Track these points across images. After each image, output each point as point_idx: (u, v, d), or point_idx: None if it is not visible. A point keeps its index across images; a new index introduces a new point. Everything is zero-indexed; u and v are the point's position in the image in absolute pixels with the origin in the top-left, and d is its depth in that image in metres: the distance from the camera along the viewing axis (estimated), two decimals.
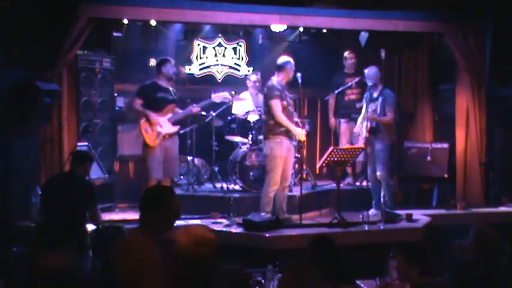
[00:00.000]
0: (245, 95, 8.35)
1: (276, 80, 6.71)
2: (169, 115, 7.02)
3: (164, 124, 6.97)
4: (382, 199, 7.37)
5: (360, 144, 7.38)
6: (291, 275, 3.04)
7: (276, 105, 6.57)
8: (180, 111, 7.21)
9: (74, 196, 5.19)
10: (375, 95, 7.40)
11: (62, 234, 4.98)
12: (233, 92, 8.14)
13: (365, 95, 7.59)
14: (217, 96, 7.41)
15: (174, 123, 7.08)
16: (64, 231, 5.03)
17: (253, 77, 8.43)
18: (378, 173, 7.28)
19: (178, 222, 6.75)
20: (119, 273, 3.42)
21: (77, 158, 5.62)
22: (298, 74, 6.77)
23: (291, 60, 6.81)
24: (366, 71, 7.50)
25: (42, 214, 5.76)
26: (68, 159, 6.53)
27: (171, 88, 7.19)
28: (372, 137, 7.31)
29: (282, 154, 6.61)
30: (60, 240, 4.91)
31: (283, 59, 6.82)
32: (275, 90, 6.60)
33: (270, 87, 6.67)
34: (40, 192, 6.07)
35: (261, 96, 8.42)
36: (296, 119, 6.82)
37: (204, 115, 7.98)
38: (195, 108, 7.24)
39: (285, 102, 6.63)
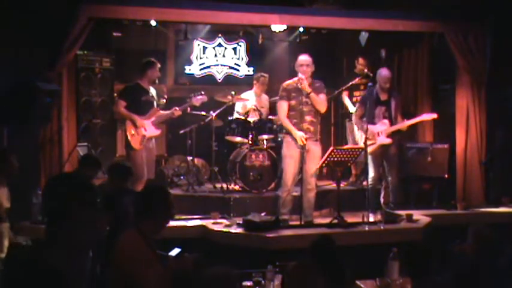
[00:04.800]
0: (247, 94, 8.35)
1: (292, 80, 6.72)
2: (153, 118, 6.87)
3: (148, 127, 6.81)
4: (382, 200, 7.39)
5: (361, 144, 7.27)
6: (294, 275, 3.04)
7: (280, 107, 6.69)
8: (163, 112, 7.06)
9: None
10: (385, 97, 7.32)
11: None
12: (233, 93, 8.14)
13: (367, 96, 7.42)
14: (196, 100, 7.22)
15: (158, 126, 6.96)
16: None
17: (261, 78, 8.42)
18: (394, 175, 7.32)
19: (178, 223, 6.78)
20: (112, 274, 3.43)
21: (89, 162, 5.59)
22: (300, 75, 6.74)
23: (300, 57, 6.72)
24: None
25: (44, 215, 5.74)
26: (68, 159, 6.55)
27: (152, 90, 7.00)
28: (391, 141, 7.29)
29: (290, 153, 6.64)
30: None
31: None
32: (281, 91, 6.72)
33: (280, 89, 6.77)
34: (40, 192, 6.07)
35: (264, 97, 8.46)
36: (311, 119, 6.66)
37: (204, 115, 7.98)
38: (177, 112, 7.04)
39: (293, 102, 6.64)
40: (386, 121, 7.30)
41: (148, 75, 6.85)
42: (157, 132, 6.96)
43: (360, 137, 7.42)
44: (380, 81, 7.32)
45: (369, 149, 7.08)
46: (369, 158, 7.20)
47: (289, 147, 6.66)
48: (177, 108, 7.08)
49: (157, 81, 7.12)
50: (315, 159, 6.64)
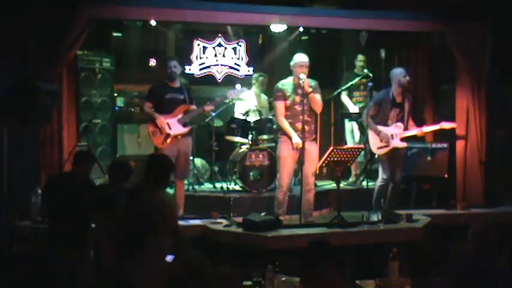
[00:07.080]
0: (246, 95, 8.34)
1: (287, 79, 6.69)
2: (180, 116, 6.76)
3: (174, 125, 6.71)
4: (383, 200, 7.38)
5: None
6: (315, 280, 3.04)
7: (278, 107, 6.64)
8: (192, 108, 6.91)
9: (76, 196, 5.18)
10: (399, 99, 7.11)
11: (66, 235, 4.98)
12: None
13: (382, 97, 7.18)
14: (234, 93, 7.21)
15: (186, 123, 6.80)
16: (67, 231, 5.02)
17: (260, 78, 8.41)
18: (398, 177, 7.14)
19: (178, 222, 6.72)
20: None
21: (78, 158, 5.59)
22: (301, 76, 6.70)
23: (301, 58, 6.61)
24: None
25: (44, 215, 5.76)
26: (68, 159, 6.54)
27: (183, 86, 6.91)
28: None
29: (285, 154, 6.61)
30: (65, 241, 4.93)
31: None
32: (276, 91, 6.68)
33: (274, 89, 6.75)
34: (40, 192, 6.07)
35: (264, 97, 8.45)
36: (306, 118, 6.52)
37: (203, 115, 7.97)
38: (207, 107, 7.00)
39: (287, 102, 6.61)
40: (400, 124, 7.07)
41: (168, 73, 6.78)
42: (183, 130, 6.77)
43: (371, 138, 7.07)
44: (400, 78, 7.00)
45: (382, 151, 7.02)
46: (381, 160, 7.11)
47: (285, 148, 6.62)
48: (209, 103, 6.97)
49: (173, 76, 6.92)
50: (313, 158, 6.61)
